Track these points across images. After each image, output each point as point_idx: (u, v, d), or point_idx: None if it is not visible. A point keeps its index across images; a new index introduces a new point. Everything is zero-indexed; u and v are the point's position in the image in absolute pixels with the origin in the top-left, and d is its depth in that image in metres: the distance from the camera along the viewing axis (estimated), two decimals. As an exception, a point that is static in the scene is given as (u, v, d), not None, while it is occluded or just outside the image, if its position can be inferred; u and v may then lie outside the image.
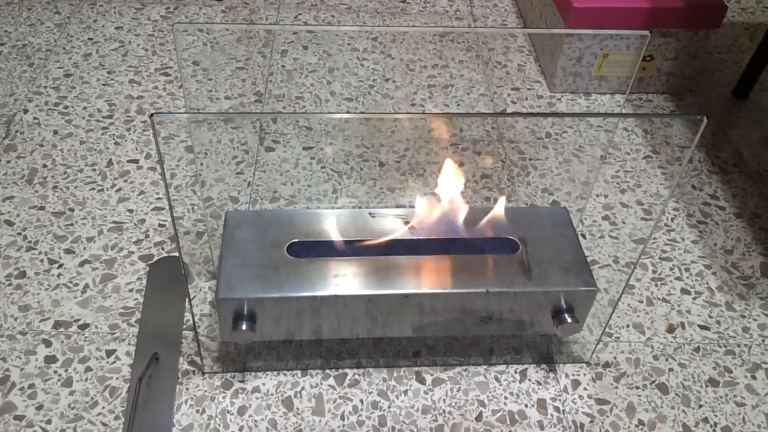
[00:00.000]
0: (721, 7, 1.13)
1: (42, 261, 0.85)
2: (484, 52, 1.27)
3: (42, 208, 0.92)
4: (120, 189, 0.95)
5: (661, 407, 0.76)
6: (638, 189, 1.02)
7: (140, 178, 0.97)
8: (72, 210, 0.92)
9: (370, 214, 0.77)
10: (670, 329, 0.84)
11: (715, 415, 0.75)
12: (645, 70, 1.19)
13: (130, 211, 0.92)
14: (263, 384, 0.75)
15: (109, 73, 1.16)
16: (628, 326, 0.84)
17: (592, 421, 0.74)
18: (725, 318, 0.85)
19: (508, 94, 1.18)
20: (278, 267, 0.71)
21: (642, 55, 0.71)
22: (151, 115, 0.50)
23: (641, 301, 0.87)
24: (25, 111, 1.07)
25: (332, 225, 0.76)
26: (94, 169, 0.98)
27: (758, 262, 0.92)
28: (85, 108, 1.08)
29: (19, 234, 0.88)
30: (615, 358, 0.80)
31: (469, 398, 0.75)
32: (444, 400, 0.75)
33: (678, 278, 0.90)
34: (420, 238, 0.76)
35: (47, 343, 0.77)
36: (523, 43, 1.31)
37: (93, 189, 0.95)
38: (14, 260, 0.85)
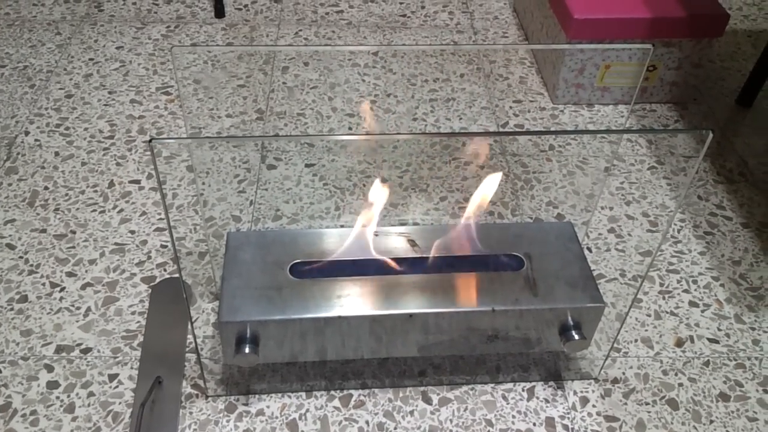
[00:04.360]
0: (724, 15, 1.12)
1: (44, 284, 0.85)
2: (486, 65, 1.27)
3: (44, 230, 0.92)
4: (122, 210, 0.95)
5: (672, 423, 0.75)
6: (644, 200, 1.01)
7: (142, 199, 0.97)
8: (74, 232, 0.92)
9: (373, 232, 0.77)
10: (679, 343, 0.83)
11: (727, 431, 0.74)
12: (648, 80, 1.18)
13: (132, 232, 0.92)
14: (267, 407, 0.74)
15: (110, 93, 1.16)
16: (636, 341, 0.83)
17: (601, 440, 0.73)
18: (734, 331, 0.84)
19: (510, 107, 1.17)
20: (281, 288, 0.70)
21: (645, 67, 0.70)
22: (150, 141, 0.50)
23: (649, 315, 0.86)
24: (27, 133, 1.07)
25: (335, 244, 0.75)
26: (96, 191, 0.98)
27: (767, 273, 0.91)
28: (86, 129, 1.08)
29: (21, 257, 0.88)
30: (623, 373, 0.79)
31: (477, 418, 0.74)
32: (451, 420, 0.74)
33: (686, 291, 0.89)
34: (424, 256, 0.75)
35: (49, 369, 0.76)
36: (524, 55, 1.30)
37: (95, 211, 0.95)
38: (16, 284, 0.85)
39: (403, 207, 0.98)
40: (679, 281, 0.90)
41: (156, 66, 1.22)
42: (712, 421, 0.75)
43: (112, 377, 0.76)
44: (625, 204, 1.00)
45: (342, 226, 0.94)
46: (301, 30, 1.34)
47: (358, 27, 1.35)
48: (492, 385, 0.77)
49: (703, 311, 0.86)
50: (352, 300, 0.69)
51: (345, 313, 0.68)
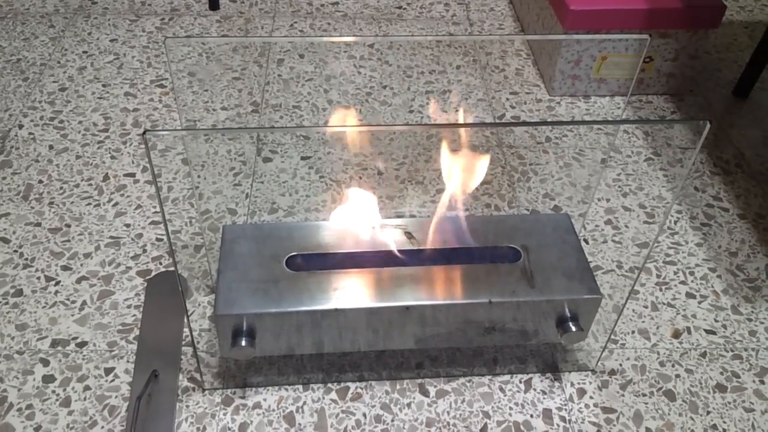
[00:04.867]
0: (720, 6, 1.12)
1: (39, 278, 0.85)
2: (482, 56, 1.26)
3: (38, 224, 0.91)
4: (117, 203, 0.94)
5: (669, 414, 0.75)
6: (640, 192, 1.01)
7: (137, 192, 0.96)
8: (68, 226, 0.91)
9: (370, 224, 0.76)
10: (676, 334, 0.83)
11: (724, 422, 0.74)
12: (644, 71, 1.18)
13: (127, 225, 0.91)
14: (264, 399, 0.74)
15: (104, 86, 1.15)
16: (633, 332, 0.83)
17: (599, 431, 0.73)
18: (731, 322, 0.84)
19: (507, 99, 1.17)
20: (277, 281, 0.70)
21: (642, 58, 0.70)
22: (144, 133, 0.50)
23: (646, 307, 0.85)
24: (20, 126, 1.06)
25: (331, 237, 0.75)
26: (91, 184, 0.97)
27: (763, 264, 0.91)
28: (80, 122, 1.08)
29: (16, 251, 0.87)
30: (621, 365, 0.79)
31: (474, 410, 0.74)
32: (448, 413, 0.74)
33: (683, 282, 0.89)
34: (420, 248, 0.74)
35: (45, 363, 0.76)
36: (520, 46, 1.30)
37: (89, 204, 0.94)
38: (11, 278, 0.84)
39: (400, 199, 0.97)
40: (675, 273, 0.90)
41: (150, 58, 1.22)
42: (709, 412, 0.75)
43: (108, 371, 0.76)
44: (621, 195, 1.00)
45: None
46: (296, 22, 1.33)
47: (353, 19, 1.35)
48: (489, 377, 0.77)
49: (700, 302, 0.86)
50: (349, 292, 0.69)
51: (341, 306, 0.68)
